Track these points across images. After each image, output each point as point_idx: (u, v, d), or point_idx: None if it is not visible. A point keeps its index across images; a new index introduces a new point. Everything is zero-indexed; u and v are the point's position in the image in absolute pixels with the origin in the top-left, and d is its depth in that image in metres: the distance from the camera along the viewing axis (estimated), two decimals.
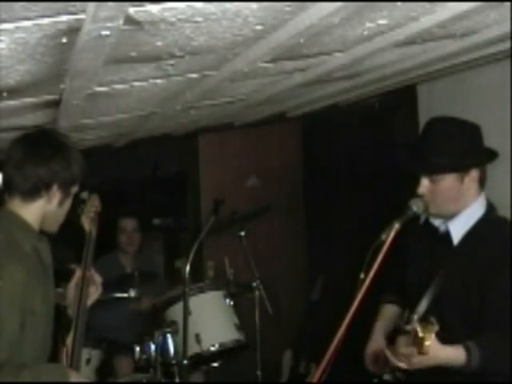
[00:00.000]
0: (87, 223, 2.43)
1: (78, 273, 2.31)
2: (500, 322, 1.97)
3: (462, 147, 2.07)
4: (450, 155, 2.05)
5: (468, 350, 1.90)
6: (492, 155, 2.13)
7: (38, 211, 2.06)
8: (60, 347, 2.25)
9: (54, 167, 2.03)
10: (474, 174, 2.08)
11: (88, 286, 2.28)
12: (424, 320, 1.85)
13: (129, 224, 4.34)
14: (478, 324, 2.01)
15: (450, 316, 2.06)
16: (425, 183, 2.08)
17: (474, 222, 2.10)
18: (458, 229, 2.11)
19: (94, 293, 2.32)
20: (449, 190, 2.07)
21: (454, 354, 1.92)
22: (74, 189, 2.15)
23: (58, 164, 2.04)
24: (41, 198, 2.04)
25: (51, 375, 1.97)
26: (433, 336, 1.79)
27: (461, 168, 2.06)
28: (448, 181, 2.06)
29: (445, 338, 1.90)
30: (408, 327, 1.98)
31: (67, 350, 2.22)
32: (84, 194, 2.46)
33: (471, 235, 2.10)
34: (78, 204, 2.40)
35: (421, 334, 1.79)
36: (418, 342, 1.81)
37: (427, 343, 1.79)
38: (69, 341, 2.21)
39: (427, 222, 2.21)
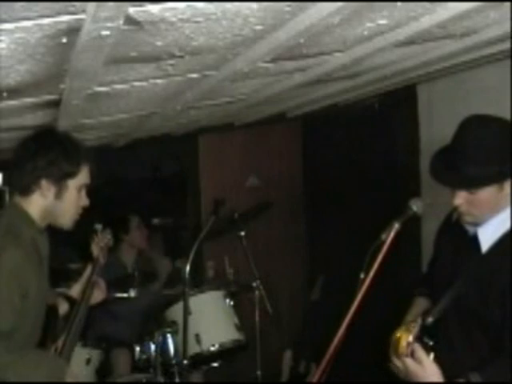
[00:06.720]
0: (96, 250, 2.66)
1: (85, 277, 2.57)
2: None
3: (499, 153, 1.89)
4: (488, 165, 1.88)
5: None
6: None
7: (36, 205, 2.12)
8: (48, 344, 2.33)
9: (39, 163, 2.07)
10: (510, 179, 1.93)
11: (92, 289, 2.53)
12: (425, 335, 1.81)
13: (139, 220, 4.35)
14: (497, 337, 1.88)
15: (468, 323, 1.97)
16: (462, 195, 1.94)
17: (505, 230, 1.95)
18: (487, 236, 1.98)
19: (99, 295, 2.59)
20: (489, 200, 1.93)
21: None
22: (73, 182, 2.14)
23: (42, 159, 2.07)
24: (34, 193, 2.10)
25: (52, 365, 2.13)
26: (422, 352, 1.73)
27: (502, 178, 1.90)
28: (488, 191, 1.91)
29: (463, 342, 1.89)
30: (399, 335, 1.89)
31: (57, 348, 2.35)
32: (98, 226, 2.71)
33: (500, 245, 1.95)
34: (90, 233, 2.64)
35: (398, 334, 1.79)
36: (395, 342, 1.79)
37: (403, 344, 1.76)
38: (60, 342, 2.35)
39: (458, 221, 2.09)
